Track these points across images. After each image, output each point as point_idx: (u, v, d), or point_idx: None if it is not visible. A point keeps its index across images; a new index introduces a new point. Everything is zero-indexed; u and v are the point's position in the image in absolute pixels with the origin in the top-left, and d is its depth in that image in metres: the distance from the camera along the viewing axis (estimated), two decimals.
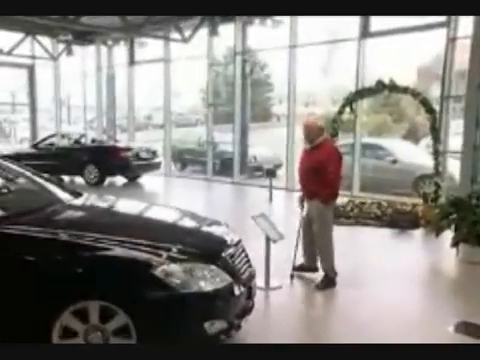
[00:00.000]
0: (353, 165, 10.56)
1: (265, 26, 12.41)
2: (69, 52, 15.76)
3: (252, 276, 4.04)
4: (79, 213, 4.55)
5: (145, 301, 3.28)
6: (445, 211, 6.63)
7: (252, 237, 5.31)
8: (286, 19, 11.72)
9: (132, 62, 15.77)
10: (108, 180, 13.09)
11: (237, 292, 3.63)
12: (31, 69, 17.22)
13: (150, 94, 21.53)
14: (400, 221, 7.95)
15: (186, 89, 22.52)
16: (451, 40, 9.06)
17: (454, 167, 8.49)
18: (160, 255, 3.42)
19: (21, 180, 4.90)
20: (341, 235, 5.86)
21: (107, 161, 12.63)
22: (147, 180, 13.48)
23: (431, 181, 8.25)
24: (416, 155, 11.94)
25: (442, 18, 9.05)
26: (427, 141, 11.31)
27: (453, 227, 6.44)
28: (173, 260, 3.42)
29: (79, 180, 13.01)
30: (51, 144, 13.61)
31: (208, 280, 3.46)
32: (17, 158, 9.82)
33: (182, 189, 12.76)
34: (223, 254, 3.77)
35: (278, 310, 4.81)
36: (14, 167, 4.95)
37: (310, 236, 5.44)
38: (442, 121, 8.86)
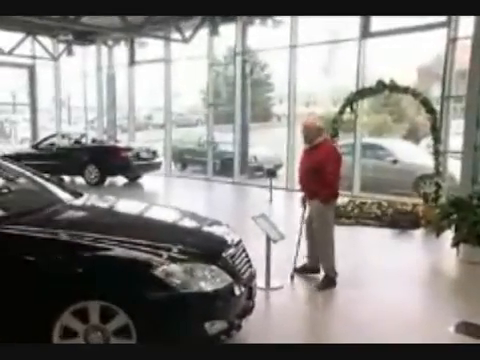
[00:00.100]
0: (353, 165, 10.56)
1: (265, 26, 12.41)
2: (69, 52, 15.76)
3: (253, 276, 4.04)
4: (80, 213, 4.55)
5: (145, 301, 3.27)
6: (445, 211, 6.63)
7: (252, 237, 5.32)
8: (286, 19, 11.71)
9: (132, 62, 15.77)
10: (108, 180, 13.09)
11: (237, 292, 3.63)
12: (32, 69, 17.23)
13: (150, 94, 21.55)
14: (400, 221, 7.94)
15: (186, 89, 22.54)
16: (452, 40, 9.06)
17: (455, 167, 8.48)
18: (160, 255, 3.42)
19: (22, 180, 4.90)
20: (341, 235, 5.86)
21: (107, 161, 12.63)
22: (147, 180, 13.48)
23: (432, 181, 8.25)
24: (416, 155, 11.93)
25: (443, 18, 9.05)
26: (427, 141, 11.30)
27: (453, 227, 6.43)
28: (173, 260, 3.42)
29: (80, 180, 13.01)
30: (51, 144, 13.60)
31: (208, 280, 3.46)
32: (17, 158, 9.84)
33: (182, 189, 12.76)
34: (224, 254, 3.76)
35: (279, 310, 4.81)
36: (15, 167, 4.95)
37: (313, 237, 5.46)
38: (443, 121, 8.86)
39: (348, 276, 5.49)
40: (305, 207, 5.54)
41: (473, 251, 6.14)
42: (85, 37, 15.37)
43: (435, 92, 11.42)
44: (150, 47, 15.45)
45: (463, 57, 8.32)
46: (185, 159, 16.52)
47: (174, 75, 14.75)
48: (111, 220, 4.35)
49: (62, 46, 16.09)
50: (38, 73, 17.43)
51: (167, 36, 13.76)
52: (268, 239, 5.20)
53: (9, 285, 3.37)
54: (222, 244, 3.96)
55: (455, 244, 6.29)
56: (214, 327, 3.43)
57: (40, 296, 3.29)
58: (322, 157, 5.17)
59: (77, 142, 13.66)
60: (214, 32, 12.57)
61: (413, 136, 17.22)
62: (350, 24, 10.53)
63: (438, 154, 8.22)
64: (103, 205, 4.99)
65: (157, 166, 13.51)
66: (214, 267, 3.54)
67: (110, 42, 16.09)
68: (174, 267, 3.38)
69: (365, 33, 10.37)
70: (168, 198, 11.75)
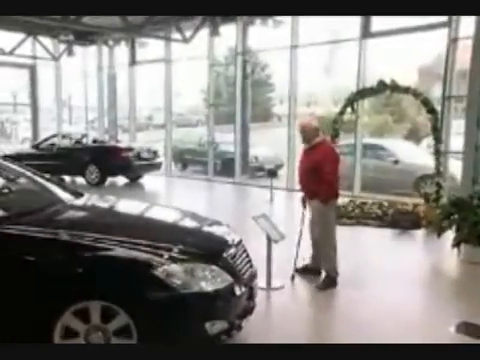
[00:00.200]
0: (354, 165, 10.56)
1: (266, 26, 12.40)
2: (70, 52, 15.77)
3: (253, 276, 4.04)
4: (80, 213, 4.55)
5: (146, 301, 3.27)
6: (446, 211, 6.62)
7: (253, 237, 5.32)
8: (287, 19, 11.71)
9: (133, 62, 15.78)
10: (109, 180, 13.10)
11: (238, 292, 3.62)
12: (32, 69, 17.24)
13: (151, 94, 21.55)
14: (401, 221, 7.94)
15: (187, 89, 22.54)
16: (452, 40, 9.05)
17: (455, 167, 8.47)
18: (161, 255, 3.42)
19: (22, 180, 4.91)
20: (342, 235, 5.85)
21: (108, 161, 12.64)
22: (148, 180, 13.49)
23: (432, 181, 8.24)
24: (417, 155, 11.92)
25: (443, 18, 9.05)
26: (428, 141, 11.29)
27: (454, 227, 6.43)
28: (174, 260, 3.42)
29: (80, 180, 13.02)
30: (52, 144, 13.61)
31: (209, 280, 3.46)
32: (18, 158, 9.84)
33: (183, 189, 12.76)
34: (224, 254, 3.76)
35: (279, 310, 4.81)
36: (15, 167, 4.95)
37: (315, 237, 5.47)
38: (443, 121, 8.86)
39: (349, 276, 5.49)
40: (305, 207, 5.55)
41: (474, 251, 6.14)
42: (86, 37, 15.38)
43: (436, 92, 11.41)
44: (151, 47, 15.46)
45: (464, 57, 8.32)
46: (186, 159, 16.52)
47: (175, 75, 14.77)
48: (112, 220, 4.35)
49: (63, 46, 16.10)
50: (39, 73, 17.43)
51: (168, 36, 13.77)
52: (269, 239, 5.20)
53: (10, 285, 3.37)
54: (223, 244, 3.96)
55: (456, 244, 6.29)
56: (215, 327, 3.42)
57: (41, 296, 3.28)
58: (320, 157, 5.21)
59: (78, 142, 13.67)
60: (215, 32, 12.57)
61: (414, 136, 17.20)
62: (351, 24, 10.53)
63: (439, 154, 8.22)
64: (104, 205, 4.99)
65: (158, 166, 13.51)
66: (215, 267, 3.54)
67: (111, 42, 16.10)
68: (175, 267, 3.38)
69: (366, 33, 10.37)
70: (169, 198, 11.76)
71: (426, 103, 8.22)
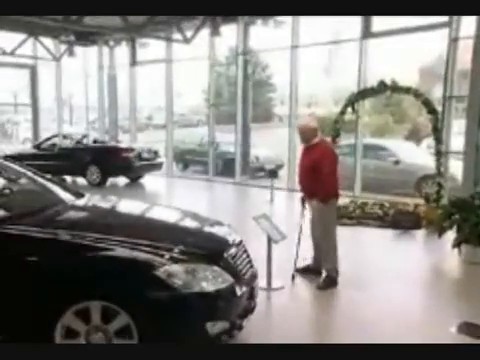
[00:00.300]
0: (355, 165, 10.55)
1: (267, 26, 12.40)
2: (71, 53, 15.76)
3: (254, 276, 4.04)
4: (81, 214, 4.56)
5: (147, 301, 3.27)
6: (447, 212, 6.62)
7: (254, 237, 5.32)
8: (288, 19, 11.70)
9: (134, 63, 15.77)
10: (110, 180, 13.09)
11: (239, 292, 3.63)
12: (33, 70, 17.23)
13: (152, 94, 21.56)
14: (402, 222, 7.93)
15: (188, 90, 22.54)
16: (453, 40, 9.03)
17: (456, 168, 8.48)
18: (162, 255, 3.42)
19: (23, 181, 4.91)
20: (343, 235, 5.86)
21: (109, 161, 12.64)
22: (149, 180, 13.49)
23: (433, 182, 8.25)
24: (418, 156, 11.92)
25: (444, 18, 9.03)
26: (429, 142, 11.28)
27: (455, 228, 6.43)
28: (175, 261, 3.42)
29: (81, 181, 13.02)
30: (53, 145, 13.61)
31: (210, 280, 3.46)
32: (19, 158, 9.83)
33: (184, 189, 12.76)
34: (225, 254, 3.77)
35: (280, 310, 4.81)
36: (16, 168, 4.96)
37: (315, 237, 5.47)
38: (444, 121, 8.85)
39: (349, 276, 5.49)
40: (304, 207, 5.56)
41: (475, 252, 6.14)
42: (87, 38, 15.36)
43: (437, 92, 11.40)
44: (151, 47, 15.45)
45: (465, 57, 8.31)
46: (186, 159, 16.51)
47: (175, 75, 14.75)
48: (113, 220, 4.35)
49: (64, 47, 16.09)
50: (40, 73, 17.41)
51: (168, 36, 13.76)
52: (269, 239, 5.20)
53: (11, 285, 3.37)
54: (223, 244, 3.96)
55: (457, 245, 6.29)
56: (216, 327, 3.43)
57: (42, 296, 3.29)
58: (318, 156, 5.25)
59: (79, 142, 13.67)
60: (215, 32, 12.54)
61: (415, 136, 17.19)
62: (351, 24, 10.52)
63: (440, 155, 8.21)
64: (105, 205, 5.00)
65: (158, 166, 13.52)
66: (216, 267, 3.54)
67: (111, 42, 16.09)
68: (176, 267, 3.38)
69: (366, 33, 10.35)
70: (169, 198, 11.76)
71: (427, 104, 8.22)
